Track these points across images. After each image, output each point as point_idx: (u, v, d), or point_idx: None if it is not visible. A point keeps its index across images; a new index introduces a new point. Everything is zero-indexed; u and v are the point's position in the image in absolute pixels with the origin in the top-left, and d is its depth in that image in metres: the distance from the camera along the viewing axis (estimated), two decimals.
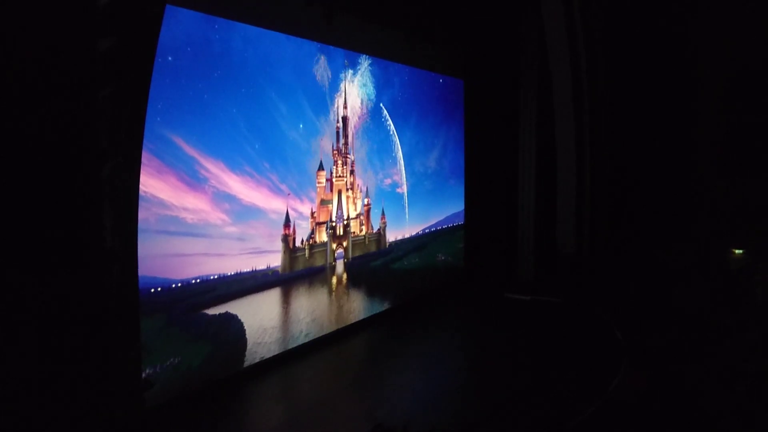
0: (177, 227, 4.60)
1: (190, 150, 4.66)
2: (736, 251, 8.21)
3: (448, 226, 8.71)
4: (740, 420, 4.62)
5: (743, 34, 8.58)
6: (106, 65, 2.25)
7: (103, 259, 3.22)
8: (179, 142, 4.56)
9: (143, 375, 4.23)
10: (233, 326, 5.15)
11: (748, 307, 7.17)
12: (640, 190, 9.51)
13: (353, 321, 6.75)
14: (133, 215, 4.16)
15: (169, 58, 4.43)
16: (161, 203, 4.44)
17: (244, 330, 5.25)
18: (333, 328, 6.41)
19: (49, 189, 2.48)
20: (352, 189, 6.68)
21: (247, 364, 5.30)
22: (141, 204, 4.23)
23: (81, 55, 2.17)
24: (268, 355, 5.53)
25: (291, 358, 5.77)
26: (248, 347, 5.31)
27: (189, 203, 4.68)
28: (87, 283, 3.19)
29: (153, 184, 4.35)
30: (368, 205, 6.98)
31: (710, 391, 5.08)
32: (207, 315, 4.87)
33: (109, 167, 2.64)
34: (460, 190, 9.05)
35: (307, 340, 6.02)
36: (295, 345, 5.87)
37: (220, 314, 5.00)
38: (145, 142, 4.25)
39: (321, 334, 6.22)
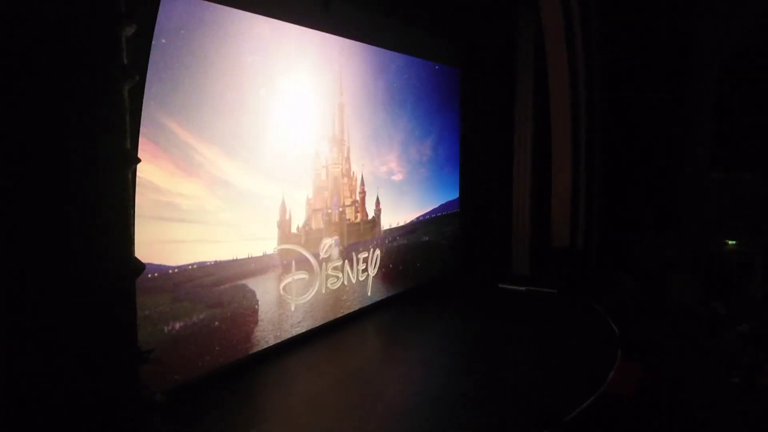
0: (172, 213, 4.53)
1: (185, 135, 4.58)
2: (730, 242, 8.25)
3: (442, 214, 8.67)
4: (734, 411, 4.65)
5: (738, 28, 8.58)
6: (129, 56, 2.13)
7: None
8: (174, 127, 4.48)
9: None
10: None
11: (741, 299, 7.22)
12: (635, 183, 9.52)
13: (347, 311, 6.71)
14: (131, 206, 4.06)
15: (163, 41, 4.33)
16: (156, 188, 4.37)
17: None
18: (327, 318, 6.36)
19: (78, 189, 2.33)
20: (347, 176, 6.62)
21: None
22: (137, 189, 4.17)
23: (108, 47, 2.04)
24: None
25: (283, 350, 5.72)
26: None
27: (184, 189, 4.61)
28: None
29: (148, 169, 4.27)
30: (363, 192, 6.92)
31: (704, 383, 5.11)
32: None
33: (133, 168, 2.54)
34: (455, 179, 9.00)
35: (299, 331, 5.98)
36: (286, 337, 5.83)
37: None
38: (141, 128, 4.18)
39: (315, 325, 6.17)
